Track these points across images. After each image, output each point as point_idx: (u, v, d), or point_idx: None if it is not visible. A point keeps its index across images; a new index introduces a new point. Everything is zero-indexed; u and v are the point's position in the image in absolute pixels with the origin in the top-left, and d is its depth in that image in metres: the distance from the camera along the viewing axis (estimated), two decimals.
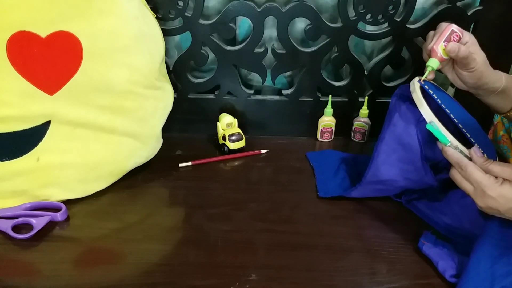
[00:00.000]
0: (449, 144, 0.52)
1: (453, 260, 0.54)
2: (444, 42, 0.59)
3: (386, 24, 0.75)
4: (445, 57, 0.59)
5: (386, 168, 0.61)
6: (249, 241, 0.59)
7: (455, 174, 0.51)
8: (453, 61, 0.62)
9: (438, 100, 0.57)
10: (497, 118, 0.81)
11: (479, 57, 0.59)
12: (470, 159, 0.51)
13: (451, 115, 0.55)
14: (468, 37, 0.60)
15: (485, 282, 0.50)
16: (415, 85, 0.59)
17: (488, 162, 0.50)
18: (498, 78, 0.61)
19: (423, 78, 0.60)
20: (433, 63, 0.60)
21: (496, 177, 0.49)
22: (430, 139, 0.57)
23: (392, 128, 0.61)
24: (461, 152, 0.52)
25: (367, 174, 0.62)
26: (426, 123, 0.55)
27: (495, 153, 0.59)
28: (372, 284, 0.52)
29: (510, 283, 0.49)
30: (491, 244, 0.52)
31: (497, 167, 0.49)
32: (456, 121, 0.55)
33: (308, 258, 0.56)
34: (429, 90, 0.58)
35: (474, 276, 0.50)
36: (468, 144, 0.53)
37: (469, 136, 0.54)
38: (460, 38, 0.59)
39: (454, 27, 0.59)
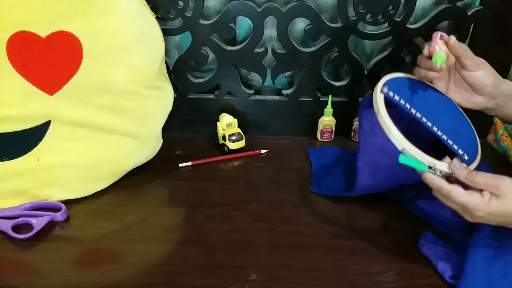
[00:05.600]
0: (427, 170, 0.48)
1: (452, 260, 0.54)
2: (439, 40, 0.55)
3: (386, 24, 0.75)
4: (447, 51, 0.54)
5: (374, 177, 0.60)
6: (249, 241, 0.59)
7: (439, 196, 0.50)
8: (460, 81, 0.58)
9: (412, 110, 0.53)
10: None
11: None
12: (449, 174, 0.48)
13: (428, 123, 0.53)
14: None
15: (483, 285, 0.49)
16: (378, 104, 0.53)
17: (472, 174, 0.47)
18: (507, 81, 0.58)
19: (438, 64, 0.52)
20: (441, 54, 0.53)
21: (482, 192, 0.47)
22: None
23: (370, 139, 0.58)
24: (442, 172, 0.49)
25: (356, 187, 0.62)
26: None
27: (477, 154, 0.56)
28: (372, 284, 0.52)
29: (507, 286, 0.49)
30: (485, 245, 0.52)
31: (482, 179, 0.47)
32: (436, 129, 0.53)
33: (308, 258, 0.56)
34: (401, 101, 0.54)
35: (471, 280, 0.50)
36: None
37: (451, 143, 0.52)
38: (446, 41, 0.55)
39: (440, 32, 0.56)
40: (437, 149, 0.54)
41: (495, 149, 0.82)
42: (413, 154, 0.49)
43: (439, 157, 0.50)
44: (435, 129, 0.52)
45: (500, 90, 0.57)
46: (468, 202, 0.46)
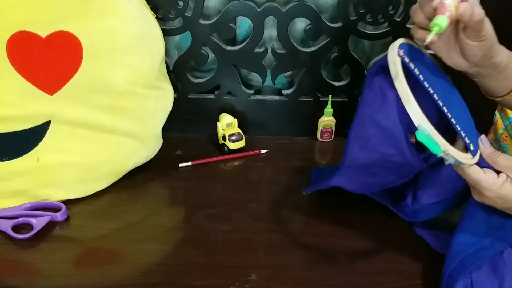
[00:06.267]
0: (441, 154, 0.44)
1: (444, 238, 0.55)
2: None
3: (386, 24, 0.75)
4: (454, 18, 0.44)
5: (365, 153, 0.55)
6: (249, 241, 0.59)
7: (455, 168, 0.48)
8: (453, 31, 0.49)
9: (425, 83, 0.46)
10: (496, 117, 0.81)
11: (486, 20, 0.46)
12: (460, 163, 0.45)
13: (439, 102, 0.47)
14: None
15: (479, 231, 0.51)
16: (397, 67, 0.45)
17: (495, 154, 0.47)
18: (501, 51, 0.50)
19: (428, 40, 0.44)
20: (442, 21, 0.43)
21: (498, 173, 0.46)
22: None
23: (368, 111, 0.52)
24: (453, 160, 0.45)
25: (344, 160, 0.56)
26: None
27: (478, 148, 0.52)
28: (372, 284, 0.52)
29: (504, 233, 0.50)
30: (479, 208, 0.53)
31: (503, 161, 0.46)
32: (446, 110, 0.47)
33: (308, 258, 0.56)
34: (415, 70, 0.46)
35: (469, 225, 0.52)
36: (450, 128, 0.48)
37: (459, 129, 0.47)
38: None
39: None
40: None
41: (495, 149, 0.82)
42: (430, 133, 0.43)
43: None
44: (445, 109, 0.47)
45: (488, 61, 0.50)
46: (481, 180, 0.45)
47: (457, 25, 0.47)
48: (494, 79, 0.53)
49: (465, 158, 0.46)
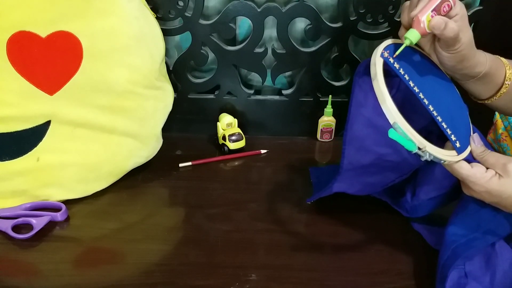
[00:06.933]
0: (415, 151, 0.45)
1: (439, 233, 0.55)
2: (432, 11, 0.46)
3: (386, 24, 0.75)
4: (429, 31, 0.47)
5: (362, 154, 0.55)
6: (249, 241, 0.59)
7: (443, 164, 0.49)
8: (434, 35, 0.50)
9: (411, 82, 0.48)
10: (496, 116, 0.81)
11: (465, 36, 0.48)
12: (440, 159, 0.46)
13: (425, 100, 0.48)
14: (459, 8, 0.47)
15: (471, 223, 0.52)
16: (376, 68, 0.47)
17: (485, 152, 0.49)
18: (481, 62, 0.51)
19: (396, 53, 0.48)
20: (413, 36, 0.47)
21: (487, 168, 0.48)
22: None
23: (361, 111, 0.53)
24: (431, 156, 0.45)
25: (342, 164, 0.56)
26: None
27: (469, 144, 0.52)
28: (372, 284, 0.52)
29: (494, 226, 0.52)
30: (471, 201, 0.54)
31: (492, 158, 0.48)
32: (431, 108, 0.48)
33: (308, 258, 0.56)
34: (400, 70, 0.48)
35: (461, 218, 0.53)
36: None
37: (445, 127, 0.48)
38: (451, 8, 0.47)
39: None
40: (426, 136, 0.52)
41: (495, 149, 0.82)
42: (404, 131, 0.44)
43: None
44: (431, 108, 0.48)
45: (460, 71, 0.52)
46: (468, 175, 0.47)
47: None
48: (472, 83, 0.54)
49: (447, 155, 0.47)
